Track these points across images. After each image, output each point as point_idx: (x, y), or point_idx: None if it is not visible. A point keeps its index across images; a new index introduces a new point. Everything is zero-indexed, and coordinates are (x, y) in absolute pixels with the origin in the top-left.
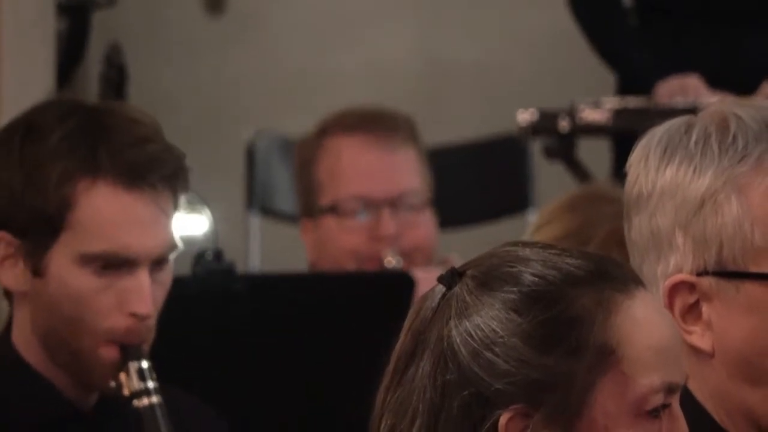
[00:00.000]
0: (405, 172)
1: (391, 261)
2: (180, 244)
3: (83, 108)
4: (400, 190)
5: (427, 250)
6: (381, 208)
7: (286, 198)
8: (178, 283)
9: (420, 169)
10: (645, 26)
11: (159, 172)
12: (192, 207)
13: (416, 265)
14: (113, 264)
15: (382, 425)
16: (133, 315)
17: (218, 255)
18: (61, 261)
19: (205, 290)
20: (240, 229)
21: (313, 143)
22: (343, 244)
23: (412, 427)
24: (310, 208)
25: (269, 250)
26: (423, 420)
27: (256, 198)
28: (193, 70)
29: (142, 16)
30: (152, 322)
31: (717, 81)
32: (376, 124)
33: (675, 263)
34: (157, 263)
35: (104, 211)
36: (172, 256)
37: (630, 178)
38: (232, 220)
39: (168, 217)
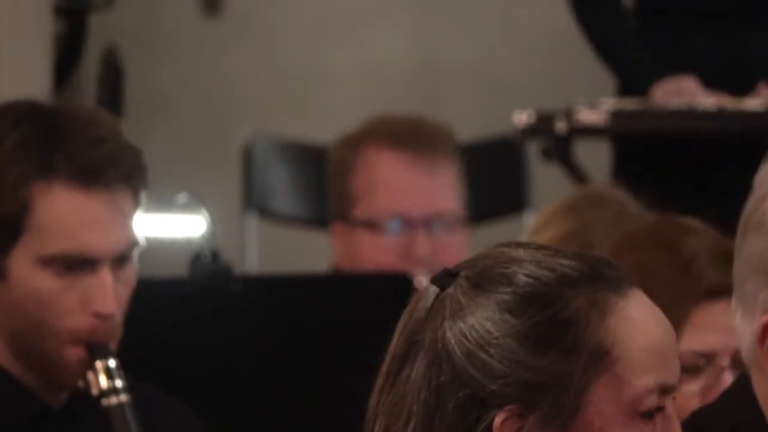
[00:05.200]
0: (443, 193)
1: (422, 281)
2: (142, 241)
3: (38, 111)
4: (436, 211)
5: None
6: (416, 228)
7: (283, 199)
8: (175, 284)
9: (457, 187)
10: (645, 27)
11: (115, 171)
12: (189, 208)
13: None
14: (74, 264)
15: (376, 427)
16: (97, 314)
17: (215, 256)
18: (22, 264)
19: (202, 291)
20: (237, 230)
21: (350, 150)
22: (374, 259)
23: (406, 429)
24: (343, 214)
25: (266, 251)
26: (417, 421)
27: (254, 199)
28: (190, 72)
29: (138, 18)
30: (118, 321)
31: (719, 81)
32: (418, 139)
33: None
34: (119, 261)
35: (61, 212)
36: (135, 254)
37: (756, 194)
38: (229, 222)
39: (126, 215)
